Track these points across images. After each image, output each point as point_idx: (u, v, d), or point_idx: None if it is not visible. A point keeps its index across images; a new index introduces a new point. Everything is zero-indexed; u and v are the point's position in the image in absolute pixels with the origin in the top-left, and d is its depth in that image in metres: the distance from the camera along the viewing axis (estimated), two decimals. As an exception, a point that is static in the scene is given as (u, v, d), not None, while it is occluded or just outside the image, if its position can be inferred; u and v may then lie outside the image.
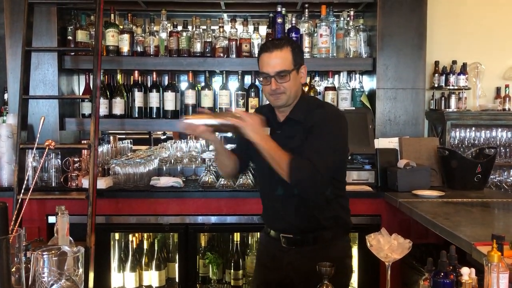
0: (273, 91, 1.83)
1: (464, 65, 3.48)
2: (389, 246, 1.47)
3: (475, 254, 1.67)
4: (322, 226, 1.92)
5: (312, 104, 1.95)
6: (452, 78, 3.46)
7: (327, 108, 1.95)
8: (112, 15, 3.22)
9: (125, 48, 3.19)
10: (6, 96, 3.39)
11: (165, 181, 2.89)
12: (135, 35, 3.26)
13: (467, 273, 1.29)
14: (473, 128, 3.31)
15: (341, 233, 1.99)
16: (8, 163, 2.89)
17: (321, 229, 1.93)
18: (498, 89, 3.59)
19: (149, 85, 3.38)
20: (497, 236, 1.24)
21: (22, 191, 1.53)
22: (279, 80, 1.82)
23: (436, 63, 3.52)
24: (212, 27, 3.31)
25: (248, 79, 3.40)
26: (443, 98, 3.47)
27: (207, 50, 3.23)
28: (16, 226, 1.27)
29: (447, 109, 3.39)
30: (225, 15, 3.56)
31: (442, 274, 1.33)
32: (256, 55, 3.18)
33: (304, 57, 3.16)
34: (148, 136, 4.36)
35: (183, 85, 3.52)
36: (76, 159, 2.92)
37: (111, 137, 3.29)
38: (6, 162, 2.90)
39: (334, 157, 1.83)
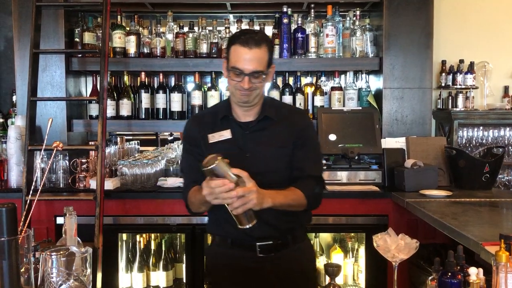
0: (246, 89, 1.73)
1: (472, 64, 3.46)
2: (396, 246, 1.47)
3: (483, 254, 1.66)
4: (299, 222, 1.88)
5: (275, 102, 1.96)
6: (459, 77, 3.44)
7: (303, 113, 2.00)
8: (119, 17, 3.24)
9: (132, 50, 3.21)
10: (14, 98, 3.42)
11: (172, 182, 2.90)
12: (141, 36, 3.27)
13: (474, 273, 1.28)
14: (481, 128, 3.29)
15: (305, 227, 1.96)
16: (17, 165, 2.92)
17: (299, 226, 1.88)
18: (506, 88, 3.56)
19: (155, 86, 3.39)
20: (505, 236, 1.23)
21: (31, 192, 1.54)
22: (252, 79, 1.73)
23: (443, 62, 3.50)
24: (218, 28, 3.32)
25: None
26: (450, 98, 3.45)
27: (213, 51, 3.24)
28: (25, 227, 1.28)
29: (455, 109, 3.37)
30: (231, 16, 3.57)
31: (449, 274, 1.32)
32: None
33: (311, 57, 3.24)
34: (155, 137, 4.38)
35: (190, 86, 3.53)
36: (83, 160, 2.94)
37: (118, 138, 3.31)
38: (14, 164, 2.92)
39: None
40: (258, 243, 1.78)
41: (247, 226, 1.58)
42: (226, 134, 1.81)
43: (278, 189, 1.73)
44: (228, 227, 1.72)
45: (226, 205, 1.56)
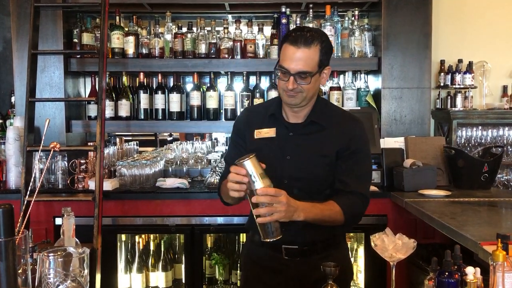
0: (290, 90, 1.66)
1: (470, 64, 3.46)
2: (393, 246, 1.46)
3: (481, 253, 1.66)
4: (333, 233, 1.78)
5: (328, 106, 1.83)
6: (458, 77, 3.44)
7: (360, 124, 1.82)
8: (117, 17, 3.24)
9: (131, 50, 3.21)
10: (13, 99, 3.42)
11: (171, 183, 2.90)
12: (140, 37, 3.27)
13: (471, 273, 1.28)
14: (480, 127, 3.29)
15: (344, 233, 1.91)
16: (15, 166, 2.92)
17: (332, 235, 1.78)
18: (504, 88, 3.57)
19: (154, 87, 3.39)
20: (503, 235, 1.23)
21: (29, 193, 1.54)
22: (298, 80, 1.64)
23: (442, 62, 3.50)
24: (217, 28, 3.32)
25: (253, 80, 3.40)
26: (449, 97, 3.46)
27: (212, 51, 3.24)
28: (22, 228, 1.28)
29: (453, 108, 3.38)
30: (229, 16, 3.57)
31: (446, 273, 1.32)
32: (261, 56, 3.26)
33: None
34: (154, 138, 4.38)
35: (189, 86, 3.53)
36: (82, 161, 2.94)
37: (117, 139, 3.32)
38: (13, 165, 2.92)
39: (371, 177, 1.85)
40: (284, 246, 1.73)
41: (269, 240, 1.50)
42: (271, 133, 1.75)
43: (317, 197, 1.68)
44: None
45: (252, 211, 1.50)
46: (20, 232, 1.21)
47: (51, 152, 1.46)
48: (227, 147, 2.15)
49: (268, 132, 1.76)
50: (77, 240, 1.68)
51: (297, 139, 1.74)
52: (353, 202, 1.70)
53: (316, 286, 1.69)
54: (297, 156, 1.72)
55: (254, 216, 1.50)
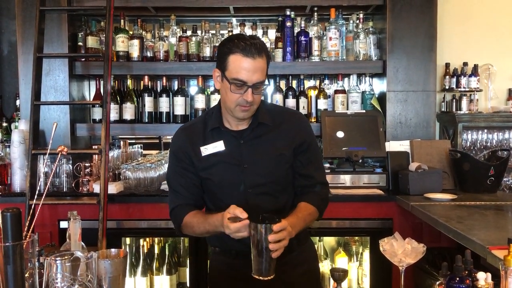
0: (248, 102, 1.59)
1: (475, 67, 3.45)
2: (403, 251, 1.45)
3: (490, 258, 1.65)
4: (304, 229, 1.77)
5: (267, 105, 1.81)
6: (463, 80, 3.43)
7: (303, 116, 1.85)
8: (122, 21, 3.24)
9: (135, 54, 3.21)
10: (18, 102, 3.42)
11: (175, 186, 2.89)
12: (145, 40, 3.27)
13: (483, 278, 1.27)
14: (485, 130, 3.27)
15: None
16: (20, 169, 2.92)
17: (303, 230, 1.76)
18: (510, 91, 3.55)
19: (159, 90, 3.39)
20: (513, 240, 1.22)
21: (35, 196, 1.54)
22: (255, 91, 1.59)
23: (447, 65, 3.49)
24: (221, 32, 3.32)
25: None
26: (454, 100, 3.44)
27: (217, 54, 3.23)
28: (29, 232, 1.27)
29: (459, 111, 3.36)
30: (234, 19, 3.57)
31: (457, 279, 1.31)
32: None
33: (314, 60, 3.23)
34: (158, 141, 4.37)
35: (193, 89, 3.53)
36: (87, 164, 2.94)
37: (122, 142, 3.31)
38: (18, 168, 2.92)
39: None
40: None
41: (263, 278, 1.46)
42: (219, 146, 1.70)
43: (281, 195, 1.72)
44: (231, 240, 1.56)
45: (252, 249, 1.46)
46: (28, 236, 1.20)
47: (58, 155, 1.45)
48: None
49: (216, 147, 1.70)
50: (83, 244, 1.67)
51: (249, 145, 1.70)
52: (321, 194, 1.76)
53: (299, 281, 1.74)
54: (255, 162, 1.69)
55: (262, 253, 1.45)
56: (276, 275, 1.59)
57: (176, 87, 3.37)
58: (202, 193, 1.78)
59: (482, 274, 1.27)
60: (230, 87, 1.59)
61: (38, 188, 2.61)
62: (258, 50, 1.57)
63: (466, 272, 1.33)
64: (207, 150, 1.70)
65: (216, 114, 1.74)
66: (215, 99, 3.23)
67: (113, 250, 1.35)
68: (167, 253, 3.10)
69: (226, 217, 1.49)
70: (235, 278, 1.76)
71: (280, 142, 1.72)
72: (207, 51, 3.23)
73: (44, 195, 1.50)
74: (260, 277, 1.47)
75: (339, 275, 1.38)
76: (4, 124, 3.55)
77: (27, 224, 1.31)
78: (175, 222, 1.78)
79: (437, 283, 1.39)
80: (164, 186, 2.92)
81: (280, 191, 1.74)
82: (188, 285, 2.93)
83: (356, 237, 3.10)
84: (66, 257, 1.12)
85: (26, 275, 1.15)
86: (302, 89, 3.34)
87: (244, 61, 1.56)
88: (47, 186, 2.75)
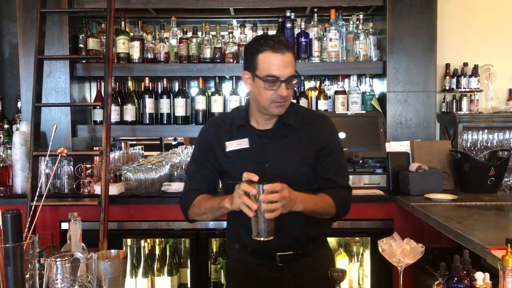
0: (283, 98, 1.63)
1: (476, 67, 3.45)
2: (401, 251, 1.46)
3: (489, 258, 1.65)
4: (322, 232, 1.81)
5: (294, 106, 1.81)
6: (463, 80, 3.43)
7: (329, 120, 1.83)
8: (123, 22, 3.25)
9: (136, 55, 3.22)
10: (19, 104, 3.44)
11: (176, 187, 2.90)
12: (145, 42, 3.28)
13: (481, 278, 1.27)
14: (486, 131, 3.27)
15: (325, 233, 1.90)
16: (22, 170, 2.93)
17: (320, 235, 1.81)
18: (510, 91, 3.55)
19: (159, 92, 3.40)
20: (512, 240, 1.22)
21: (36, 198, 1.54)
22: (288, 86, 1.62)
23: (447, 66, 3.49)
24: (222, 33, 3.33)
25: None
26: (454, 101, 3.44)
27: (217, 55, 3.25)
28: (30, 233, 1.28)
29: (459, 112, 3.36)
30: (234, 20, 3.58)
31: (455, 279, 1.31)
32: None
33: (314, 61, 3.24)
34: (159, 142, 4.38)
35: (193, 91, 3.54)
36: (88, 166, 2.95)
37: (123, 144, 3.32)
38: (19, 169, 2.93)
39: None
40: (278, 253, 1.73)
41: (263, 239, 1.47)
42: (243, 143, 1.72)
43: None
44: (248, 237, 1.59)
45: (258, 210, 1.47)
46: (28, 237, 1.21)
47: (59, 157, 1.46)
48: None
49: (240, 144, 1.73)
50: (84, 245, 1.68)
51: (273, 145, 1.73)
52: (342, 194, 1.74)
53: (313, 286, 1.74)
54: (276, 162, 1.71)
55: (258, 214, 1.47)
56: (288, 276, 1.66)
57: (176, 89, 3.38)
58: (217, 187, 1.84)
59: (480, 274, 1.28)
60: (263, 85, 1.62)
61: (39, 189, 2.61)
62: (285, 46, 1.61)
63: (465, 272, 1.34)
64: (231, 145, 1.74)
65: (244, 113, 1.78)
66: (215, 100, 3.24)
67: (113, 251, 1.35)
68: (168, 254, 3.10)
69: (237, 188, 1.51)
70: (249, 275, 1.78)
71: (303, 143, 1.74)
72: (207, 53, 3.23)
73: (45, 196, 1.50)
74: (259, 239, 1.48)
75: (338, 275, 1.38)
76: (6, 126, 3.56)
77: (27, 226, 1.31)
78: (185, 204, 1.81)
79: (436, 283, 1.39)
80: (165, 187, 2.93)
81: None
82: (189, 286, 2.93)
83: (357, 238, 3.10)
84: (66, 258, 1.12)
85: (27, 276, 1.16)
86: (302, 90, 3.35)
87: (274, 57, 1.60)
88: (48, 188, 2.76)
